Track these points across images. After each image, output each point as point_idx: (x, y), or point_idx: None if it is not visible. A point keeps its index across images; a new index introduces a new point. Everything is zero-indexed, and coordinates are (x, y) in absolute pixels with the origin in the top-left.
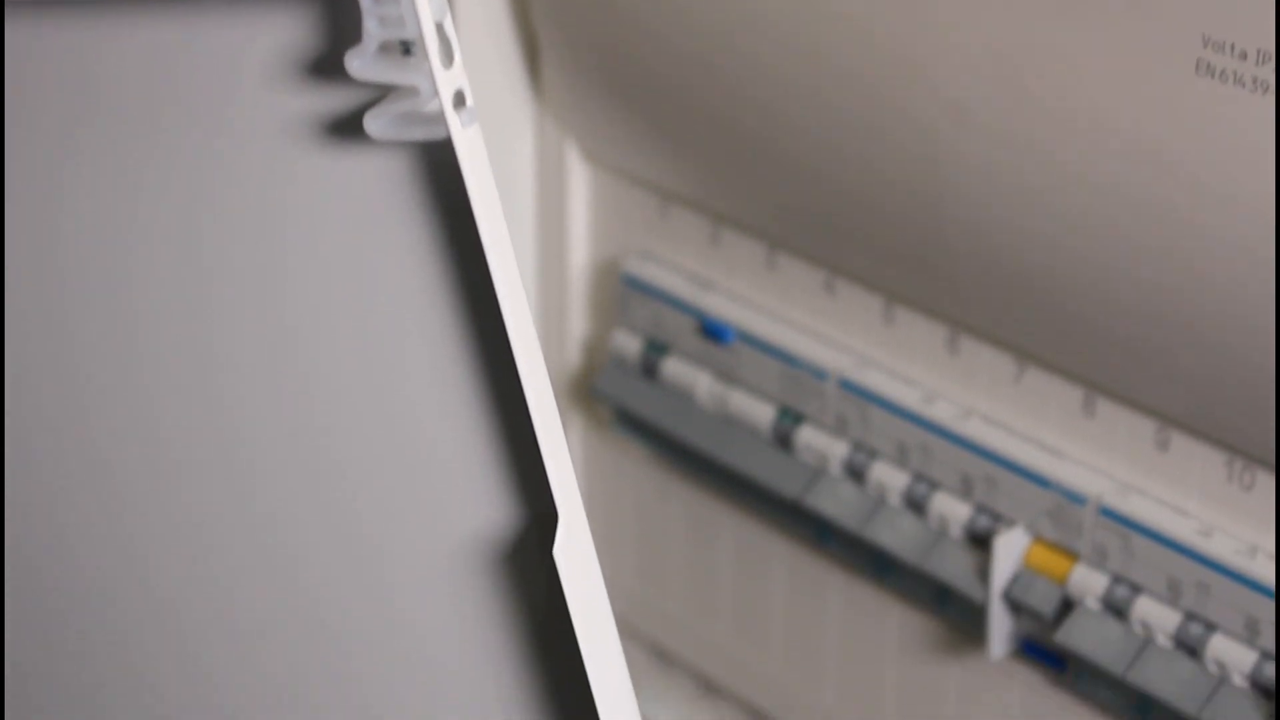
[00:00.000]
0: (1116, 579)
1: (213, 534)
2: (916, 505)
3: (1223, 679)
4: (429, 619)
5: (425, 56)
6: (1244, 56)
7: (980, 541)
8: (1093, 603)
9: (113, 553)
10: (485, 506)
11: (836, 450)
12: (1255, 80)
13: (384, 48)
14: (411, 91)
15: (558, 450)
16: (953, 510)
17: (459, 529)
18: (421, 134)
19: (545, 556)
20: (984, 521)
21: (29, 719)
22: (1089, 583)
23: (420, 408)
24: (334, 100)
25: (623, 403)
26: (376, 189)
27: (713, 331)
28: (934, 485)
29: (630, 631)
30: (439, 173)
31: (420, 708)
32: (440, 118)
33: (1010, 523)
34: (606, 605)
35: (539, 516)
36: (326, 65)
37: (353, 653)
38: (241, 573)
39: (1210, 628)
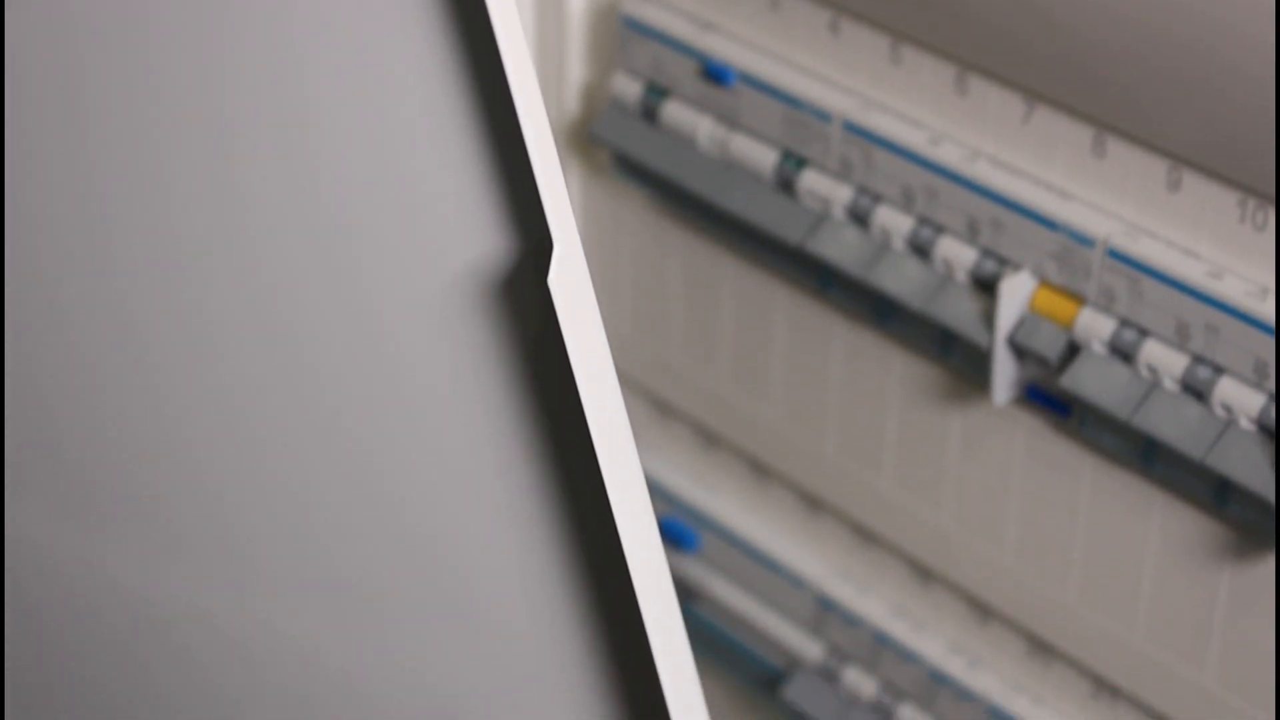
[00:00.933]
0: (1124, 322)
1: (205, 275)
2: (921, 249)
3: (1230, 422)
4: (424, 351)
5: None
6: None
7: (986, 286)
8: (1099, 347)
9: (103, 314)
10: (481, 240)
11: (840, 194)
12: None
13: None
14: None
15: (553, 180)
16: (958, 254)
17: (455, 264)
18: None
19: (541, 289)
20: (990, 265)
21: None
22: (1096, 326)
23: (416, 143)
24: None
25: (622, 148)
26: None
27: (714, 74)
28: (939, 229)
29: (629, 383)
30: None
31: (414, 448)
32: None
33: (1016, 266)
34: (603, 342)
35: (535, 249)
36: None
37: (344, 387)
38: (233, 318)
39: (1218, 371)
